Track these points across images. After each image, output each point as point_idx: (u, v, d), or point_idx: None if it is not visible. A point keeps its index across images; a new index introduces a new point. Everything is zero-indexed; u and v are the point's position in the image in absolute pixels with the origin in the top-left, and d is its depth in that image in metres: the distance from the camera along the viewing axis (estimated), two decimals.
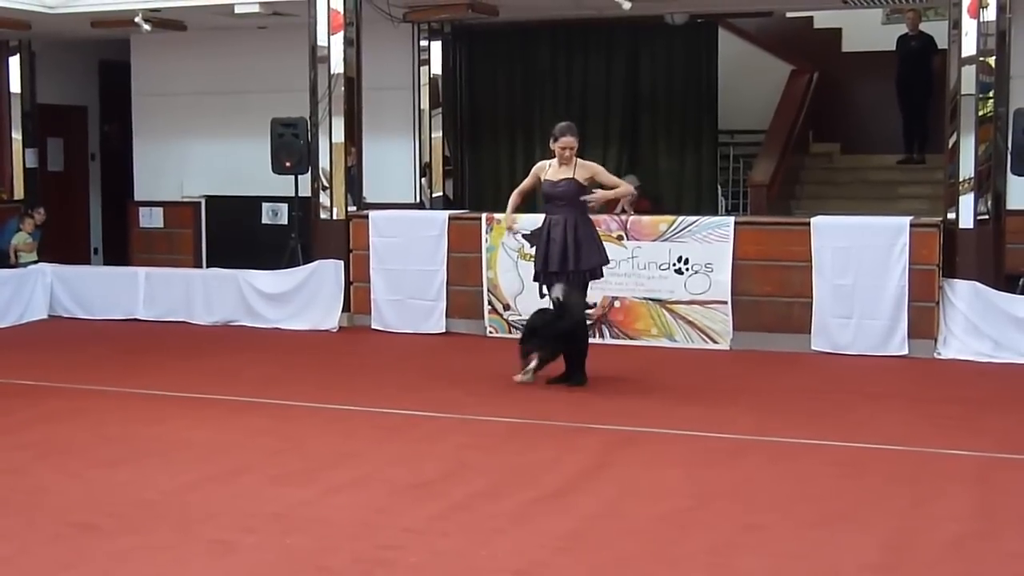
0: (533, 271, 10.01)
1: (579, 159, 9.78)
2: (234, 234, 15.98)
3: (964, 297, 11.01)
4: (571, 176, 9.66)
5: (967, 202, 11.22)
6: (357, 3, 13.11)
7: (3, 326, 13.24)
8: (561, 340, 9.75)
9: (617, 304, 11.81)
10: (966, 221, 11.20)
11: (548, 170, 9.79)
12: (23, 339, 12.78)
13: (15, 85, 16.36)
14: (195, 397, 9.61)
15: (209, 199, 16.42)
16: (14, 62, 16.30)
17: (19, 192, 16.41)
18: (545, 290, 9.84)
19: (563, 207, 9.66)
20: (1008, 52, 11.28)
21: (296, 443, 8.09)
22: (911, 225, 11.12)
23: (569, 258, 9.56)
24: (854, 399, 9.50)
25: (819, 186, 16.51)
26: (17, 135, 16.41)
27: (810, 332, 11.35)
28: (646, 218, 12.11)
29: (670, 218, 11.92)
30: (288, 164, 13.71)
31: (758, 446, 7.96)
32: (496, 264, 12.24)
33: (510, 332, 12.03)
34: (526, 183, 10.13)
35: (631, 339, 11.77)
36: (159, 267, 14.37)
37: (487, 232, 12.33)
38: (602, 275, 9.95)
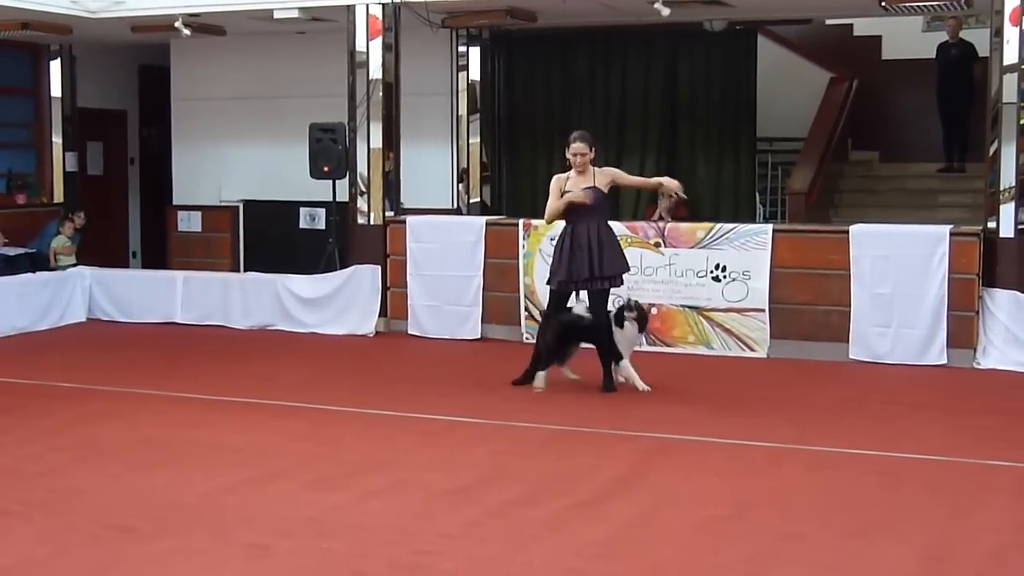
0: (550, 277, 10.05)
1: (595, 167, 9.92)
2: (272, 238, 16.04)
3: (1004, 307, 10.93)
4: (592, 185, 9.80)
5: (1008, 211, 11.12)
6: (396, 9, 13.13)
7: (42, 328, 13.34)
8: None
9: (654, 311, 11.77)
10: (1007, 230, 11.11)
11: (567, 182, 9.89)
12: (62, 341, 12.86)
13: (56, 89, 16.46)
14: (232, 401, 9.65)
15: (247, 203, 16.47)
16: (55, 66, 16.41)
17: (59, 196, 16.53)
18: (573, 299, 9.92)
19: (587, 215, 9.77)
20: None
21: (333, 448, 8.11)
22: (951, 234, 11.05)
23: (595, 266, 9.68)
24: (892, 409, 9.44)
25: (858, 194, 16.41)
26: (57, 139, 16.52)
27: (848, 341, 11.28)
28: (684, 225, 12.09)
29: (708, 225, 11.89)
30: (326, 169, 13.77)
31: (796, 455, 7.92)
32: (533, 270, 12.24)
33: None
34: (557, 201, 9.99)
35: (668, 346, 11.73)
36: (197, 271, 14.44)
37: (524, 238, 12.33)
38: (623, 282, 10.01)
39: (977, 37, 14.93)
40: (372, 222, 13.22)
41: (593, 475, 7.35)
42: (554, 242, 11.87)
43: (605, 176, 9.88)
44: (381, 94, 13.18)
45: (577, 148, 9.79)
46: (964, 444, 8.20)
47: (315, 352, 12.11)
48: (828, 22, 16.96)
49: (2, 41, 15.16)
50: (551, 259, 10.15)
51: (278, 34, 15.12)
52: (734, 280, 11.58)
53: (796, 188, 14.92)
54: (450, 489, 7.01)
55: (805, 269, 11.48)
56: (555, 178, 10.03)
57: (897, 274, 11.11)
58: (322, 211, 15.33)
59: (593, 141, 9.90)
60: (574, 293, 9.98)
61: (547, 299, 10.47)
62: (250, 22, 14.27)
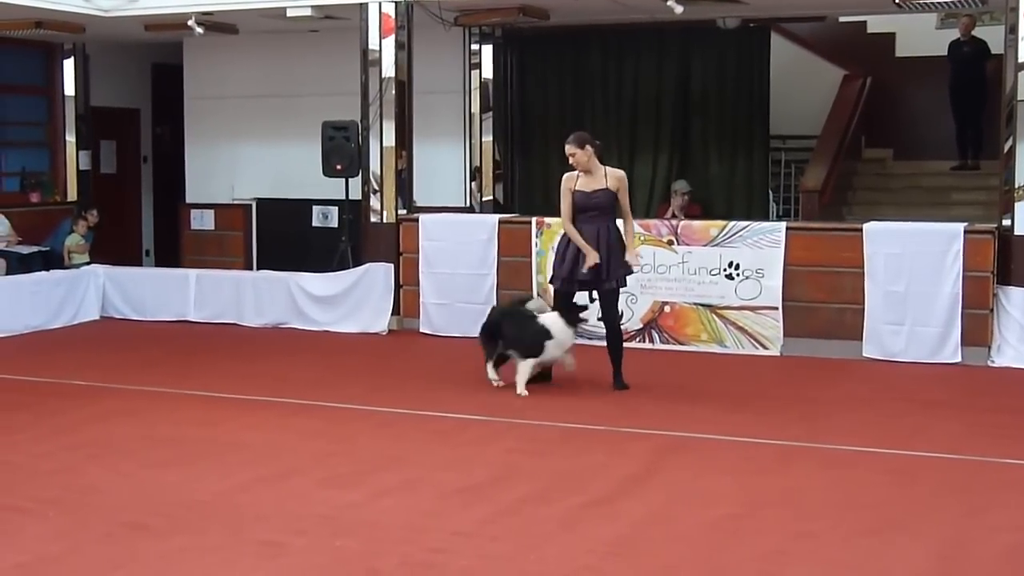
0: (553, 275, 10.02)
1: (607, 167, 9.84)
2: (284, 237, 16.05)
3: (1019, 305, 10.89)
4: (605, 186, 9.72)
5: (1022, 209, 11.09)
6: (408, 7, 13.14)
7: (56, 326, 13.36)
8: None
9: (667, 309, 11.77)
10: (1021, 228, 11.09)
11: (578, 180, 9.78)
12: (76, 339, 12.88)
13: (69, 88, 16.52)
14: (245, 399, 9.65)
15: (260, 202, 16.49)
16: (69, 65, 16.47)
17: (72, 194, 16.59)
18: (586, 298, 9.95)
19: (596, 217, 9.72)
20: None
21: (346, 446, 8.12)
22: (965, 231, 11.01)
23: (602, 268, 9.64)
24: (906, 407, 9.42)
25: (871, 192, 16.38)
26: (71, 137, 16.59)
27: (862, 339, 11.26)
28: (697, 223, 12.07)
29: (721, 223, 11.85)
30: (339, 167, 13.79)
31: (808, 453, 7.90)
32: (546, 268, 12.18)
33: None
34: (568, 203, 9.82)
35: (681, 344, 11.72)
36: (210, 269, 14.46)
37: (537, 236, 12.31)
38: (626, 284, 9.99)
39: (991, 34, 14.89)
40: (385, 220, 13.22)
41: (606, 473, 7.35)
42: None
43: (616, 180, 9.74)
44: (394, 92, 13.18)
45: (567, 150, 9.72)
46: (978, 442, 8.17)
47: (328, 350, 12.11)
48: (842, 19, 16.93)
49: (16, 40, 15.21)
50: (555, 256, 10.11)
51: (291, 32, 15.14)
52: (747, 278, 11.56)
53: (809, 186, 14.90)
54: (463, 487, 7.01)
55: (818, 267, 11.45)
56: (565, 177, 9.89)
57: (911, 272, 11.08)
58: (335, 209, 15.34)
59: (589, 140, 9.77)
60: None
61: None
62: (263, 20, 14.29)
